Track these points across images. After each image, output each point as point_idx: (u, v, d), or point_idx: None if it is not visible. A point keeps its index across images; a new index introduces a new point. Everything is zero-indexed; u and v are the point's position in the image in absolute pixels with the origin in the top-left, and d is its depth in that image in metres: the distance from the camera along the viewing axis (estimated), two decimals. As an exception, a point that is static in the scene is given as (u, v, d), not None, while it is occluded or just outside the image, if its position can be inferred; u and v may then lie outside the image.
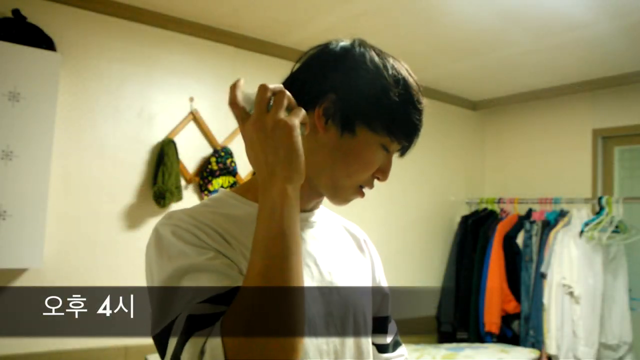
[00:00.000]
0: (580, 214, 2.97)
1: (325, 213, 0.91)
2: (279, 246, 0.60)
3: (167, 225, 0.70)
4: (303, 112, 0.66)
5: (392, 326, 0.95)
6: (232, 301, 0.59)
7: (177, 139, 2.43)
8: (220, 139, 2.58)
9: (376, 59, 0.76)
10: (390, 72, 0.75)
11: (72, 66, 2.20)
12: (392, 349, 0.93)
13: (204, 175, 2.50)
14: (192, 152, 2.51)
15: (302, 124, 0.66)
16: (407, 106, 0.76)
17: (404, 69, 0.78)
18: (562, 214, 3.14)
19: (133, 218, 2.32)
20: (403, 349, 0.96)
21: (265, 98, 0.64)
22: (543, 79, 3.26)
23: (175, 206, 2.39)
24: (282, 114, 0.63)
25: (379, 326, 0.92)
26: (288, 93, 0.65)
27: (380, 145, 0.76)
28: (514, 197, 3.48)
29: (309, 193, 0.79)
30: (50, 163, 2.01)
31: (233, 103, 0.66)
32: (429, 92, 3.55)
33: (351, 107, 0.74)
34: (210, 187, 2.49)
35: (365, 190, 0.80)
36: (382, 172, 0.79)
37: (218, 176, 2.51)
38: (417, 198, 3.49)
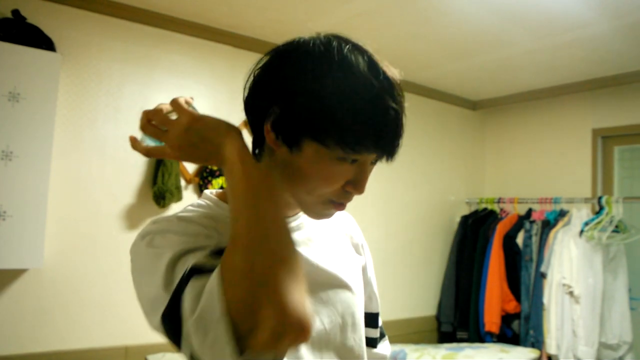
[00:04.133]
0: (580, 214, 2.97)
1: None
2: (261, 194, 0.59)
3: (156, 225, 0.69)
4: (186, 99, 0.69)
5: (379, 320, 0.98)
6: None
7: (177, 139, 2.43)
8: (220, 139, 2.58)
9: (327, 57, 0.65)
10: (336, 74, 0.64)
11: (72, 66, 2.20)
12: (380, 341, 0.96)
13: (204, 175, 2.50)
14: (192, 152, 2.50)
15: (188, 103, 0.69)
16: (362, 114, 0.63)
17: (368, 64, 0.66)
18: (562, 213, 3.15)
19: (133, 218, 2.32)
20: (386, 341, 0.99)
21: (162, 115, 0.68)
22: (543, 79, 3.26)
23: (175, 206, 2.39)
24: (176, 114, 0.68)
25: (370, 322, 0.93)
26: (165, 106, 0.69)
27: (337, 159, 0.66)
28: (513, 197, 3.48)
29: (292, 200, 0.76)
30: (50, 163, 2.01)
31: (144, 126, 0.69)
32: (429, 92, 3.55)
33: (294, 120, 0.65)
34: (210, 187, 2.49)
35: (354, 198, 0.72)
36: (353, 186, 0.69)
37: (218, 176, 2.51)
38: (417, 198, 3.49)
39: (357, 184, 0.69)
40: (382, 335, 0.97)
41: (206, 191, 0.79)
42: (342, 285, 0.81)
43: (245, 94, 0.74)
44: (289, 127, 0.66)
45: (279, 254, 0.55)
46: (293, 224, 0.80)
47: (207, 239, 0.65)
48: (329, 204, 0.71)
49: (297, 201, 0.73)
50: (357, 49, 0.68)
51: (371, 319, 0.94)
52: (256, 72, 0.72)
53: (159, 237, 0.66)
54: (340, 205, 0.72)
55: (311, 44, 0.68)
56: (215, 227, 0.69)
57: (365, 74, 0.65)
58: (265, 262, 0.53)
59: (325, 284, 0.79)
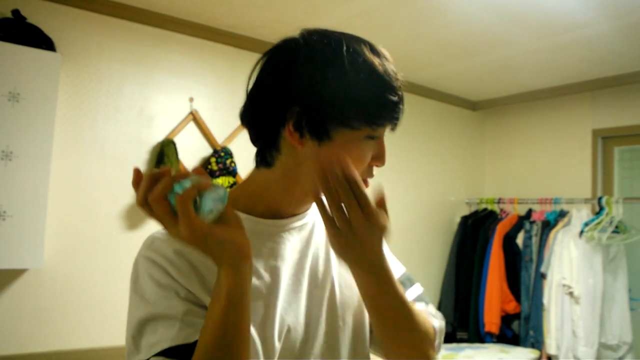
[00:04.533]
0: (580, 214, 2.97)
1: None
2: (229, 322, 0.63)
3: (146, 261, 0.70)
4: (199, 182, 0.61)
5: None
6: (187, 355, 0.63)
7: (177, 139, 2.43)
8: (220, 139, 2.58)
9: (332, 49, 0.69)
10: (348, 60, 0.68)
11: (72, 66, 2.20)
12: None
13: (204, 175, 2.50)
14: (192, 153, 2.51)
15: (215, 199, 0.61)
16: (379, 90, 0.70)
17: (370, 48, 0.72)
18: (562, 214, 3.15)
19: (133, 218, 2.32)
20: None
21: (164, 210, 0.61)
22: (543, 79, 3.26)
23: (175, 206, 2.39)
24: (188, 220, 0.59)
25: None
26: (161, 185, 0.60)
27: (365, 138, 0.71)
28: (513, 197, 3.48)
29: (300, 196, 0.77)
30: (50, 163, 2.01)
31: (142, 202, 0.62)
32: (429, 92, 3.55)
33: (319, 114, 0.68)
34: (210, 187, 2.49)
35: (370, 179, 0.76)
36: (378, 159, 0.74)
37: (218, 176, 2.51)
38: (417, 198, 3.49)
39: (380, 157, 0.74)
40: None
41: None
42: (340, 288, 0.81)
43: (249, 103, 0.74)
44: (315, 121, 0.69)
45: None
46: (300, 222, 0.81)
47: (180, 284, 0.69)
48: None
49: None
50: (352, 37, 0.73)
51: None
52: (260, 78, 0.73)
53: (141, 281, 0.70)
54: (366, 183, 0.74)
55: (310, 40, 0.71)
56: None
57: (370, 57, 0.70)
58: None
59: (320, 285, 0.80)
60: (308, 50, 0.70)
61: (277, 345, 0.71)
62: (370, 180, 0.76)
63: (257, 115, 0.73)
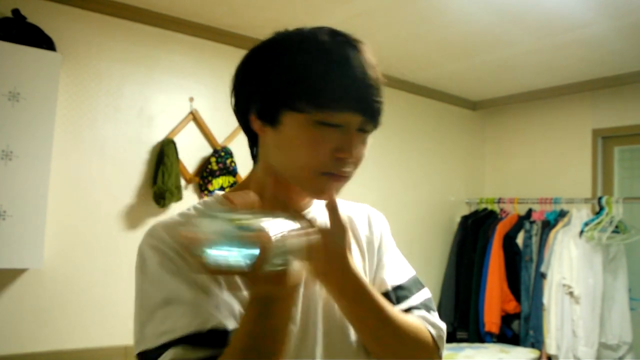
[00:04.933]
0: (580, 214, 2.97)
1: (322, 207, 0.89)
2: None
3: (151, 249, 0.70)
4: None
5: (412, 300, 0.90)
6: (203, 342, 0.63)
7: (177, 139, 2.43)
8: (220, 139, 2.58)
9: (290, 37, 0.72)
10: (297, 45, 0.70)
11: (72, 66, 2.20)
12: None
13: (204, 175, 2.50)
14: (192, 152, 2.51)
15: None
16: (326, 71, 0.67)
17: (329, 33, 0.71)
18: (562, 214, 3.14)
19: (133, 218, 2.32)
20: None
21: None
22: (543, 79, 3.26)
23: (175, 206, 2.39)
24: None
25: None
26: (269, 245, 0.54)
27: (316, 123, 0.67)
28: (513, 197, 3.48)
29: (286, 192, 0.76)
30: (50, 163, 2.01)
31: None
32: (429, 92, 3.55)
33: (269, 99, 0.70)
34: (210, 187, 2.49)
35: (349, 172, 0.73)
36: (341, 150, 0.69)
37: (218, 176, 2.51)
38: (417, 198, 3.49)
39: (344, 148, 0.69)
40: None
41: (216, 193, 0.82)
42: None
43: (232, 101, 0.78)
44: (266, 106, 0.71)
45: None
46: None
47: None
48: (323, 176, 0.71)
49: (295, 182, 0.74)
50: (322, 28, 0.72)
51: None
52: (235, 77, 0.77)
53: (148, 268, 0.69)
54: (335, 177, 0.71)
55: (278, 34, 0.74)
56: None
57: (326, 40, 0.69)
58: None
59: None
60: (266, 43, 0.74)
61: None
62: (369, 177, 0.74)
63: (235, 112, 0.78)
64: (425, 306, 0.85)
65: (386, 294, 0.84)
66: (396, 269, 0.89)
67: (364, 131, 0.72)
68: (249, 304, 0.62)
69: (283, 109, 0.69)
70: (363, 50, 0.71)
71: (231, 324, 0.66)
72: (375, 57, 0.73)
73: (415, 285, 0.87)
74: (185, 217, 0.75)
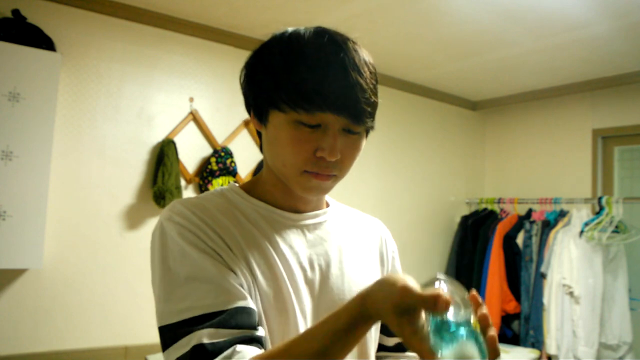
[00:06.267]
0: (580, 214, 2.97)
1: (341, 213, 0.90)
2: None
3: (172, 222, 0.70)
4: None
5: None
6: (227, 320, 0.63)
7: (177, 139, 2.43)
8: (220, 139, 2.58)
9: (277, 38, 0.73)
10: (289, 44, 0.70)
11: (72, 66, 2.20)
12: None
13: (204, 175, 2.50)
14: (192, 152, 2.51)
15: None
16: (303, 73, 0.67)
17: (314, 32, 0.71)
18: (562, 214, 3.15)
19: (133, 218, 2.32)
20: None
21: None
22: (543, 79, 3.26)
23: (175, 206, 2.38)
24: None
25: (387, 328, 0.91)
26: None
27: (295, 123, 0.69)
28: (514, 197, 3.48)
29: (290, 191, 0.79)
30: (50, 163, 2.01)
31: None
32: (429, 92, 3.55)
33: (259, 97, 0.73)
34: (210, 187, 2.49)
35: (341, 174, 0.75)
36: (322, 150, 0.69)
37: (218, 176, 2.51)
38: (417, 198, 3.49)
39: (325, 147, 0.69)
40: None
41: (231, 183, 0.84)
42: (351, 289, 0.81)
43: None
44: (257, 105, 0.74)
45: None
46: (308, 221, 0.81)
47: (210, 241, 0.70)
48: (306, 174, 0.72)
49: (282, 176, 0.76)
50: (317, 27, 0.73)
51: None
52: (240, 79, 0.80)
53: (170, 243, 0.70)
54: (319, 176, 0.72)
55: (273, 35, 0.75)
56: (227, 228, 0.72)
57: (309, 40, 0.70)
58: None
59: (330, 285, 0.79)
60: (263, 44, 0.76)
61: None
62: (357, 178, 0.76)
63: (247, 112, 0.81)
64: None
65: None
66: None
67: (350, 132, 0.72)
68: (360, 317, 0.59)
69: (269, 108, 0.72)
70: (351, 49, 0.70)
71: (252, 304, 0.67)
72: (370, 56, 0.73)
73: None
74: (205, 200, 0.76)
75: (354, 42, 0.72)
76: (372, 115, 0.71)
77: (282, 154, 0.72)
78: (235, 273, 0.68)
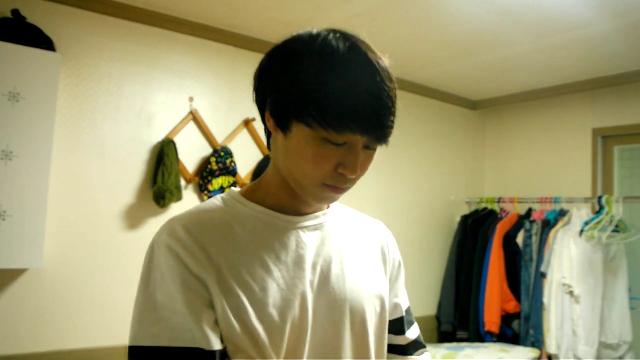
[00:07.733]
0: (580, 214, 2.97)
1: (341, 214, 0.89)
2: None
3: (162, 247, 0.71)
4: None
5: (414, 329, 0.95)
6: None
7: (177, 139, 2.43)
8: (220, 139, 2.58)
9: (309, 45, 0.70)
10: (322, 57, 0.67)
11: (72, 66, 2.20)
12: (412, 351, 0.93)
13: (204, 175, 2.50)
14: (192, 152, 2.51)
15: None
16: (339, 95, 0.65)
17: (349, 48, 0.68)
18: (562, 213, 3.15)
19: (133, 218, 2.32)
20: (427, 353, 0.96)
21: None
22: (543, 79, 3.26)
23: (175, 206, 2.39)
24: None
25: (395, 328, 0.92)
26: None
27: (322, 140, 0.68)
28: (514, 197, 3.48)
29: (297, 194, 0.78)
30: (50, 163, 2.01)
31: None
32: (429, 92, 3.55)
33: (282, 105, 0.70)
34: (210, 187, 2.49)
35: (349, 185, 0.75)
36: (344, 167, 0.70)
37: (218, 176, 2.51)
38: (417, 198, 3.49)
39: (347, 166, 0.70)
40: (416, 344, 0.95)
41: (232, 189, 0.83)
42: (352, 292, 0.81)
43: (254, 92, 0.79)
44: (279, 112, 0.71)
45: None
46: (311, 222, 0.81)
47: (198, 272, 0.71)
48: (324, 187, 0.73)
49: (297, 185, 0.75)
50: (345, 36, 0.70)
51: (398, 325, 0.93)
52: (257, 70, 0.77)
53: (156, 267, 0.71)
54: (336, 189, 0.73)
55: (300, 37, 0.73)
56: (224, 251, 0.73)
57: (343, 57, 0.67)
58: None
59: (332, 287, 0.79)
60: (287, 44, 0.73)
61: (286, 333, 0.72)
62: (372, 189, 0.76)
63: (255, 101, 0.78)
64: (421, 338, 0.96)
65: (401, 319, 0.92)
66: (405, 295, 0.96)
67: (369, 148, 0.73)
68: None
69: (294, 119, 0.69)
70: (384, 69, 0.69)
71: (218, 345, 0.67)
72: (390, 64, 0.72)
73: (409, 315, 0.96)
74: (204, 213, 0.76)
75: (381, 58, 0.71)
76: (391, 134, 0.73)
77: (304, 167, 0.71)
78: (213, 307, 0.69)
